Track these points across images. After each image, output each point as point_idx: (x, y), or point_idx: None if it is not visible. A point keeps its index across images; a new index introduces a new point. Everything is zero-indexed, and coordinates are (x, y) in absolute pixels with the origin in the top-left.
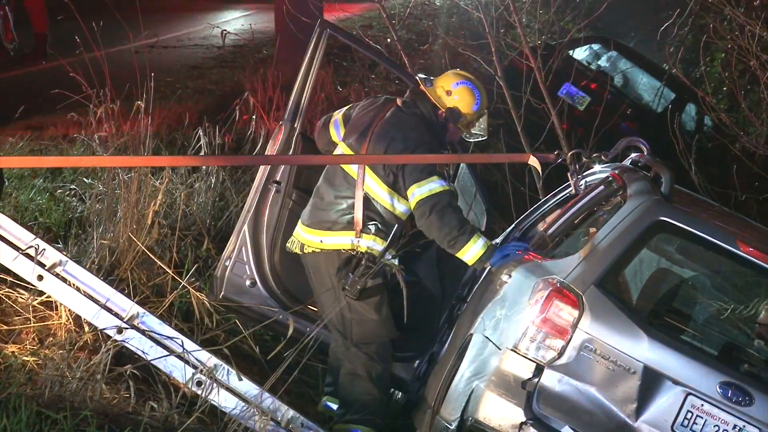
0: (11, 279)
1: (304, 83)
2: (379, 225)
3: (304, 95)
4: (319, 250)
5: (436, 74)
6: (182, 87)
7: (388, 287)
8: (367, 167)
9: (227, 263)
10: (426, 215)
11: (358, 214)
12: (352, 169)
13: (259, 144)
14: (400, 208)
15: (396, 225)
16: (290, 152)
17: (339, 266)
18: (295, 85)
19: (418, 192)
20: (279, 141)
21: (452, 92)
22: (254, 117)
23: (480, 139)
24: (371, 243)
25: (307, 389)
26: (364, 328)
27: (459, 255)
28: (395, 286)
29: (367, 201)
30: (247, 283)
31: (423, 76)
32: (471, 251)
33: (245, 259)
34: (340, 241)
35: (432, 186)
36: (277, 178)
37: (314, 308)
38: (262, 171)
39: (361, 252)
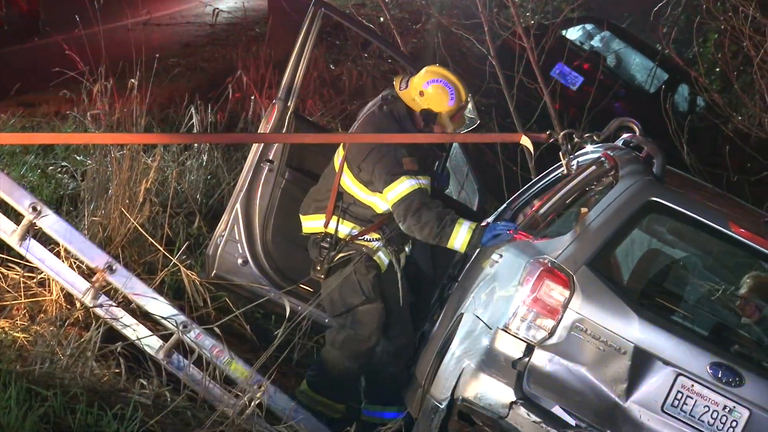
0: (2, 255)
1: (298, 62)
2: (349, 210)
3: (298, 74)
4: (307, 236)
5: (428, 54)
6: (175, 65)
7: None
8: (345, 164)
9: (219, 242)
10: (402, 219)
11: (330, 200)
12: (336, 162)
13: (251, 122)
14: (377, 203)
15: (374, 214)
16: (283, 131)
17: (312, 249)
18: (289, 63)
19: (390, 195)
20: (272, 119)
21: (424, 92)
22: (252, 97)
23: (472, 126)
24: (337, 225)
25: (298, 368)
26: (334, 300)
27: (449, 247)
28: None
29: (344, 193)
30: (239, 261)
31: (402, 76)
32: (458, 240)
33: (237, 238)
34: (313, 225)
35: (401, 188)
36: (270, 157)
37: (307, 287)
38: (255, 149)
39: (328, 234)
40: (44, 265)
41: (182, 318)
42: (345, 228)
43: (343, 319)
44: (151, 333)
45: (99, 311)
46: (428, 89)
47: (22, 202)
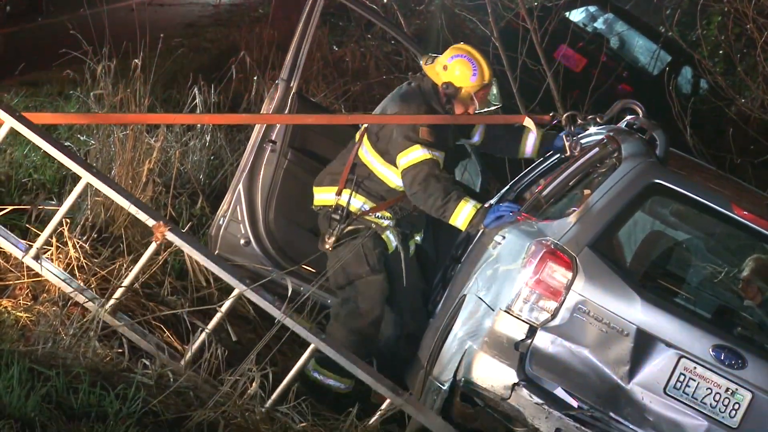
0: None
1: (301, 42)
2: (363, 184)
3: (301, 55)
4: (317, 209)
5: (431, 36)
6: (178, 45)
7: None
8: (366, 134)
9: (221, 222)
10: (410, 186)
11: (343, 172)
12: (357, 136)
13: (254, 102)
14: (391, 177)
15: (387, 189)
16: (286, 111)
17: (322, 222)
18: (292, 44)
19: (402, 162)
20: (275, 100)
21: (447, 66)
22: (255, 77)
23: (493, 107)
24: (350, 198)
25: (302, 349)
26: (338, 271)
27: (451, 222)
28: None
29: (359, 165)
30: (242, 242)
31: (431, 54)
32: (461, 216)
33: (240, 219)
34: (325, 197)
35: (413, 155)
36: (273, 138)
37: (310, 268)
38: (258, 130)
39: (339, 205)
40: None
41: None
42: (357, 202)
43: (346, 293)
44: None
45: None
46: (451, 63)
47: None
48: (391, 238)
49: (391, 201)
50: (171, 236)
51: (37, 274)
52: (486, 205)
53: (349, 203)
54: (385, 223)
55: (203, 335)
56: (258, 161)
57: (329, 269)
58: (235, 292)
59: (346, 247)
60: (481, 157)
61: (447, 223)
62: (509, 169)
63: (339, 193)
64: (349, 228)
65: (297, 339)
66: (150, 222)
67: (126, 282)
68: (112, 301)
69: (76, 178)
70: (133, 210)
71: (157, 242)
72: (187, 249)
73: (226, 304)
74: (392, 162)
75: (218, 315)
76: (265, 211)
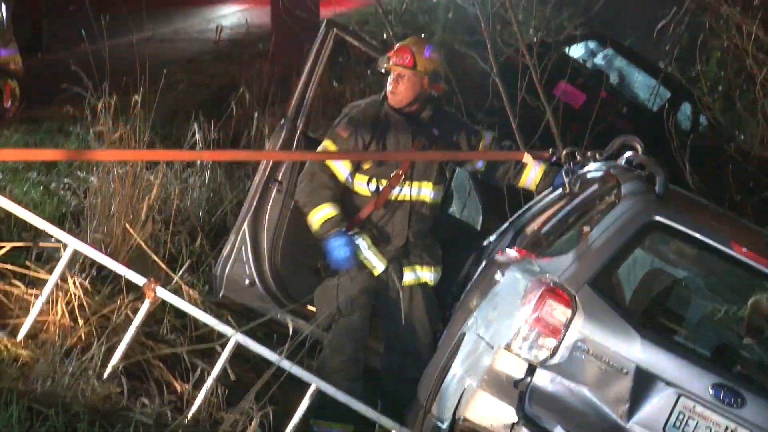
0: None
1: (308, 83)
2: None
3: (308, 95)
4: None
5: None
6: (178, 81)
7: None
8: None
9: (226, 262)
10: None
11: None
12: None
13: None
14: (352, 181)
15: (357, 202)
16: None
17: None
18: (299, 84)
19: None
20: (281, 139)
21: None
22: (255, 114)
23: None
24: None
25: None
26: (317, 306)
27: (307, 222)
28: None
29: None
30: (246, 282)
31: None
32: (315, 217)
33: (244, 259)
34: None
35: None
36: (279, 178)
37: (312, 308)
38: (263, 169)
39: None
40: None
41: None
42: None
43: (330, 323)
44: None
45: None
46: None
47: None
48: (373, 261)
49: (361, 215)
50: (161, 293)
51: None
52: (343, 230)
53: None
54: (361, 245)
55: (209, 381)
56: (263, 201)
57: (316, 307)
58: (231, 344)
59: (323, 285)
60: (481, 194)
61: (447, 261)
62: (509, 206)
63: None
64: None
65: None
66: (141, 282)
67: (125, 341)
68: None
69: (75, 217)
70: (122, 271)
71: (151, 300)
72: (178, 304)
73: (226, 352)
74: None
75: (221, 362)
76: (271, 252)
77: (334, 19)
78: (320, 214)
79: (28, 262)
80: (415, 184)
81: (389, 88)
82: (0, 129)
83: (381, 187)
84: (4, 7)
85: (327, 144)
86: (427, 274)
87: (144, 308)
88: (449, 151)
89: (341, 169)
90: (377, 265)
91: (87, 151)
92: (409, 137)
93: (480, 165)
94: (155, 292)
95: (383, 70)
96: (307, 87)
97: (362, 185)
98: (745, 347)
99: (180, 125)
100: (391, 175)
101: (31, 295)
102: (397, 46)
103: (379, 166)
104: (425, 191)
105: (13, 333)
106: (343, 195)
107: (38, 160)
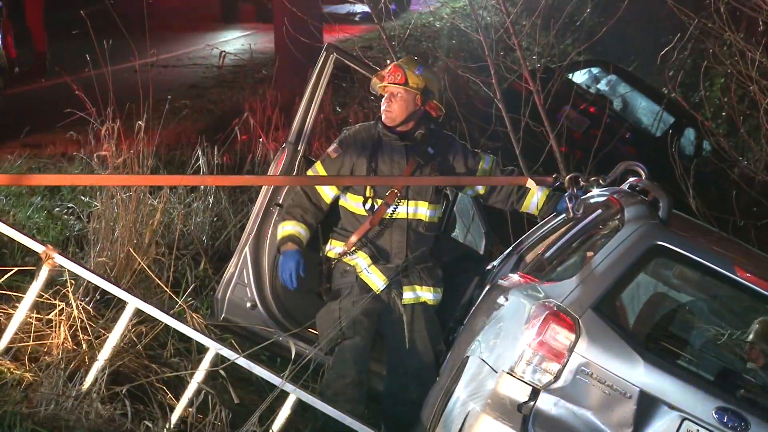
0: (10, 293)
1: (309, 106)
2: (338, 228)
3: (309, 118)
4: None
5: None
6: (182, 106)
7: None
8: None
9: (227, 285)
10: None
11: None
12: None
13: (257, 164)
14: (347, 201)
15: (357, 223)
16: (293, 175)
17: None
18: (300, 108)
19: None
20: (282, 163)
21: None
22: (259, 139)
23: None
24: (331, 247)
25: (305, 412)
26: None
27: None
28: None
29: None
30: (248, 305)
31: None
32: (279, 231)
33: (246, 282)
34: (305, 234)
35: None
36: (280, 201)
37: (315, 331)
38: (264, 193)
39: (326, 257)
40: None
41: None
42: (337, 247)
43: (331, 347)
44: None
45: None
46: None
47: None
48: (373, 279)
49: (357, 235)
50: (60, 260)
51: (40, 336)
52: (293, 250)
53: (328, 251)
54: (361, 264)
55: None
56: (264, 224)
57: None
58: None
59: (326, 307)
60: (485, 219)
61: (450, 284)
62: (512, 231)
63: (325, 243)
64: (336, 285)
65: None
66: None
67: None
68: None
69: (79, 241)
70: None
71: (50, 267)
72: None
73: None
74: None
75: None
76: (272, 275)
77: (337, 44)
78: (283, 229)
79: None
80: (411, 202)
81: (383, 107)
82: (2, 153)
83: (376, 206)
84: None
85: (317, 166)
86: (427, 294)
87: (43, 274)
88: (445, 170)
89: (326, 190)
90: (378, 283)
91: (91, 176)
92: (403, 156)
93: (479, 188)
94: (53, 259)
95: (375, 92)
96: (308, 110)
97: (357, 205)
98: (748, 371)
99: (184, 150)
100: (386, 193)
101: (34, 318)
102: (389, 66)
103: (373, 186)
104: (422, 210)
105: (17, 357)
106: (341, 214)
107: (42, 185)
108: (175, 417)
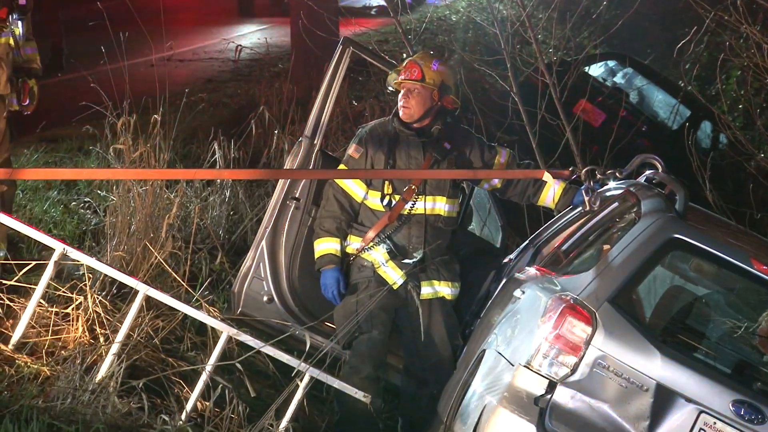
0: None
1: (325, 100)
2: (356, 223)
3: (325, 112)
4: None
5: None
6: (198, 100)
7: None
8: None
9: (244, 279)
10: None
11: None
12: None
13: (274, 157)
14: (368, 198)
15: (375, 219)
16: (310, 168)
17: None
18: (316, 101)
19: None
20: (299, 157)
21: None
22: (274, 133)
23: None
24: (349, 242)
25: (321, 405)
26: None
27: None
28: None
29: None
30: (265, 299)
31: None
32: (317, 249)
33: (263, 276)
34: (340, 247)
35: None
36: (296, 195)
37: (331, 324)
38: (281, 186)
39: (347, 253)
40: None
41: None
42: (355, 243)
43: (346, 340)
44: None
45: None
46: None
47: None
48: (390, 274)
49: (375, 230)
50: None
51: (57, 331)
52: (330, 267)
53: (346, 246)
54: (378, 259)
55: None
56: (281, 218)
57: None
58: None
59: (344, 301)
60: (501, 212)
61: (467, 279)
62: (529, 223)
63: (344, 239)
64: (353, 279)
65: (316, 393)
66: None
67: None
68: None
69: (96, 235)
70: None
71: None
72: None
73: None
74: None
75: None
76: (289, 269)
77: (353, 37)
78: (320, 247)
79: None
80: (429, 198)
81: (400, 103)
82: (19, 148)
83: (394, 202)
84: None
85: (342, 168)
86: (445, 289)
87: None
88: (462, 164)
89: (357, 190)
90: (395, 278)
91: (107, 170)
92: (420, 152)
93: (496, 182)
94: None
95: (392, 88)
96: (325, 104)
97: (376, 200)
98: (765, 364)
99: (200, 144)
100: (404, 189)
101: (51, 312)
102: (405, 62)
103: (391, 181)
104: (439, 205)
105: (32, 350)
106: (360, 210)
107: (59, 179)
108: (189, 406)
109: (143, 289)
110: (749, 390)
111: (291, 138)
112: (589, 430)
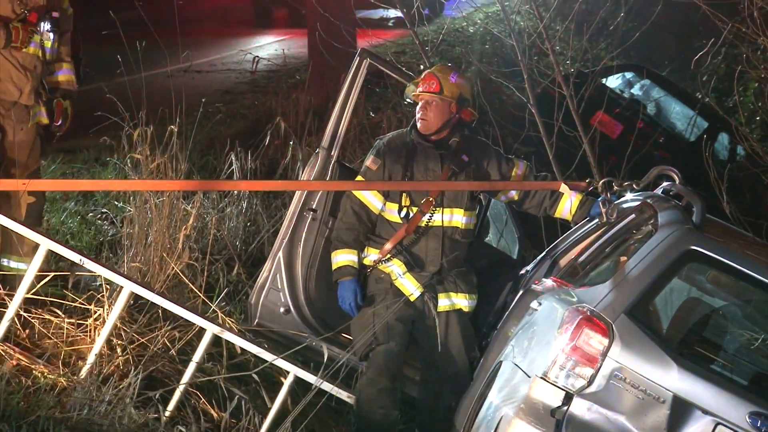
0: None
1: (342, 111)
2: (373, 235)
3: (342, 123)
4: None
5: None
6: (215, 111)
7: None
8: None
9: (261, 290)
10: None
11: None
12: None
13: (290, 169)
14: (385, 210)
15: (392, 230)
16: (327, 180)
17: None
18: (333, 112)
19: None
20: (316, 168)
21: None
22: (291, 144)
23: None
24: (366, 254)
25: (338, 416)
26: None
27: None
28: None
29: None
30: (281, 310)
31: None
32: (334, 260)
33: (280, 287)
34: (358, 259)
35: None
36: (313, 206)
37: (348, 336)
38: (298, 198)
39: (365, 265)
40: None
41: None
42: (372, 255)
43: (362, 352)
44: None
45: None
46: None
47: None
48: (408, 287)
49: (392, 242)
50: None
51: (73, 341)
52: (347, 278)
53: (364, 258)
54: (396, 271)
55: None
56: (298, 229)
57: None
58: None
59: (361, 312)
60: (518, 224)
61: (484, 291)
62: (546, 236)
63: (363, 251)
64: (370, 291)
65: (333, 405)
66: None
67: None
68: None
69: (113, 246)
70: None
71: None
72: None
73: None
74: (382, 194)
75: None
76: (306, 280)
77: (371, 49)
78: (337, 259)
79: (65, 291)
80: (447, 210)
81: (418, 115)
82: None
83: (411, 214)
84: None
85: (359, 180)
86: (462, 301)
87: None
88: (480, 176)
89: (374, 202)
90: (412, 290)
91: (124, 181)
92: (438, 164)
93: (513, 194)
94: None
95: (410, 99)
96: (342, 115)
97: (393, 212)
98: None
99: (217, 155)
100: (422, 201)
101: (70, 324)
102: (423, 74)
103: (408, 194)
104: (457, 217)
105: (50, 361)
106: (377, 221)
107: (76, 190)
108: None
109: (128, 286)
110: (766, 402)
111: (308, 149)
112: None
